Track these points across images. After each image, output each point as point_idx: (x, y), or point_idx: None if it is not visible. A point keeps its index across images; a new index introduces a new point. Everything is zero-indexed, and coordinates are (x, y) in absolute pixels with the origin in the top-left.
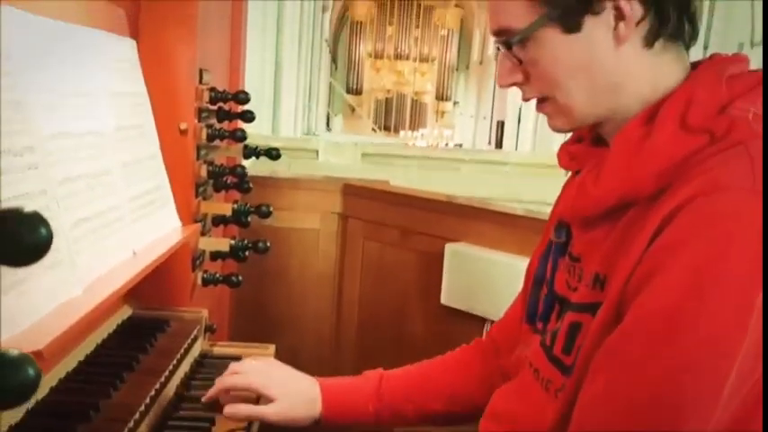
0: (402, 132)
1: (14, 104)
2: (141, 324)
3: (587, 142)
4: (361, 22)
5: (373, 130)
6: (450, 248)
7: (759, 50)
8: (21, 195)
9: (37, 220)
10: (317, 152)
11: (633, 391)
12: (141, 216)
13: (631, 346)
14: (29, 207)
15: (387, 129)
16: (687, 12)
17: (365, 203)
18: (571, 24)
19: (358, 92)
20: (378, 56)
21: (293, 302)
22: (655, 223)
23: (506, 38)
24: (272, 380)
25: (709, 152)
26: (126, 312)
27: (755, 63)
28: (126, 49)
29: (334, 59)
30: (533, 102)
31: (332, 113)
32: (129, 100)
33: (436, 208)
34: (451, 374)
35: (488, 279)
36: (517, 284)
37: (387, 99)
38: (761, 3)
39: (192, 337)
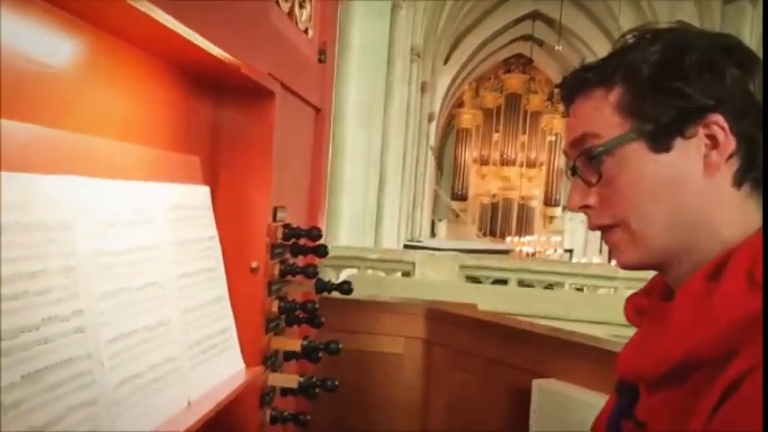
0: (508, 238)
1: (66, 270)
2: None
3: (656, 297)
4: (467, 129)
5: (478, 235)
6: (537, 385)
7: None
8: (63, 361)
9: None
10: (414, 264)
11: None
12: (200, 362)
13: None
14: (66, 374)
15: (492, 234)
16: None
17: (450, 330)
18: (660, 143)
19: (463, 198)
20: (483, 162)
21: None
22: (718, 391)
23: (589, 147)
24: None
25: None
26: None
27: None
28: (199, 196)
29: (439, 166)
30: None
31: (436, 219)
32: (198, 245)
33: (521, 338)
34: None
35: (583, 425)
36: None
37: (492, 204)
38: None
39: None
